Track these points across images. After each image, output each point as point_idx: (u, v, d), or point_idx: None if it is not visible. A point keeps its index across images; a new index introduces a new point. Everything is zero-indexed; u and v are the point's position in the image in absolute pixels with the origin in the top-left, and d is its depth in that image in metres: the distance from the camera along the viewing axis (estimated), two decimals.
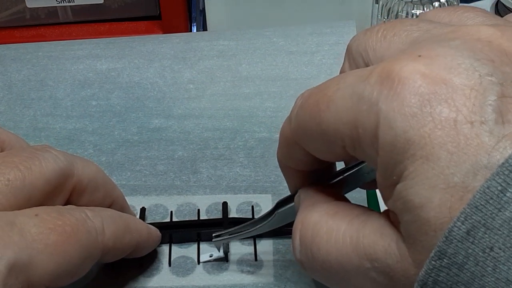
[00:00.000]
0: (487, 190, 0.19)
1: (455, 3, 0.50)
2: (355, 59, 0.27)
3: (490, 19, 0.26)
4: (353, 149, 0.24)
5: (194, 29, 0.58)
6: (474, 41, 0.22)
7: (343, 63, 0.28)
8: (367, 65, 0.26)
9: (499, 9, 0.57)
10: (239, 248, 0.37)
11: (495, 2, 0.58)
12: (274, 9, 0.54)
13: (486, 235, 0.19)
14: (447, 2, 0.50)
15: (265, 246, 0.38)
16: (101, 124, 0.46)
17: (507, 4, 0.56)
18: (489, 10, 0.58)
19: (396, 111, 0.21)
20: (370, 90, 0.22)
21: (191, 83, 0.48)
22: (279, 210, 0.32)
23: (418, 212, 0.21)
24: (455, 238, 0.20)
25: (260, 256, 0.37)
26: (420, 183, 0.21)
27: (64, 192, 0.31)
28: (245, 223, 0.34)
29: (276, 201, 0.32)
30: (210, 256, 0.37)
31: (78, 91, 0.48)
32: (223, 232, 0.35)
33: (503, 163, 0.19)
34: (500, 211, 0.19)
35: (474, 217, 0.19)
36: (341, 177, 0.29)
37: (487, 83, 0.21)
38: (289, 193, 0.32)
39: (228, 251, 0.37)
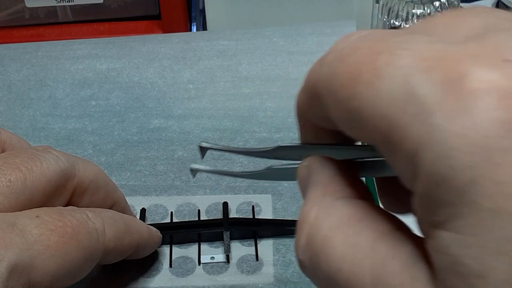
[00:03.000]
0: None
1: (456, 2, 0.50)
2: None
3: None
4: (384, 151, 0.18)
5: (194, 29, 0.58)
6: None
7: None
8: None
9: (500, 9, 0.57)
10: (239, 249, 0.37)
11: (496, 2, 0.58)
12: (274, 9, 0.53)
13: None
14: (447, 1, 0.50)
15: (265, 246, 0.38)
16: (100, 124, 0.46)
17: (508, 4, 0.56)
18: None
19: (461, 137, 0.16)
20: (427, 91, 0.16)
21: (191, 83, 0.48)
22: (274, 167, 0.26)
23: (475, 283, 0.16)
24: None
25: (260, 256, 0.37)
26: (482, 245, 0.16)
27: (65, 193, 0.31)
28: (235, 149, 0.28)
29: (276, 145, 0.25)
30: (211, 259, 0.37)
31: (78, 91, 0.48)
32: (214, 146, 0.28)
33: None
34: None
35: None
36: (367, 159, 0.22)
37: None
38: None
39: (229, 253, 0.37)
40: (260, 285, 0.36)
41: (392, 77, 0.17)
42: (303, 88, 0.23)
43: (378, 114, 0.17)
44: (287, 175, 0.25)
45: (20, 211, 0.28)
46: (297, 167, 0.24)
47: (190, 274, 0.36)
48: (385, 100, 0.17)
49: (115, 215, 0.32)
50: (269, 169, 0.25)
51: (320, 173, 0.22)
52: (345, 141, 0.22)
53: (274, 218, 0.39)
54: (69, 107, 0.47)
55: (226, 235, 0.37)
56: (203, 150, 0.27)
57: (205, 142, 0.27)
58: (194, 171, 0.28)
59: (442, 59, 0.17)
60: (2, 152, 0.32)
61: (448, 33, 0.18)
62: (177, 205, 0.40)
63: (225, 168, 0.27)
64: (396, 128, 0.17)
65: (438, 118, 0.16)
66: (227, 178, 0.42)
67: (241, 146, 0.25)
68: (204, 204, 0.40)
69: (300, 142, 0.24)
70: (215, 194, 0.41)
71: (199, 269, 0.37)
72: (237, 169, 0.42)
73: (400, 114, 0.17)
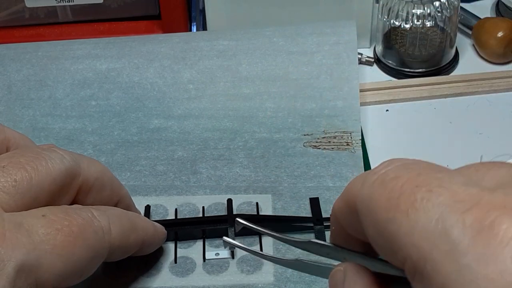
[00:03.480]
0: None
1: (456, 3, 0.50)
2: None
3: None
4: (412, 277, 0.19)
5: (194, 28, 0.58)
6: None
7: None
8: None
9: (500, 9, 0.57)
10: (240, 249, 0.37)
11: (496, 2, 0.58)
12: (274, 9, 0.53)
13: None
14: (447, 1, 0.50)
15: (265, 246, 0.38)
16: (100, 124, 0.46)
17: (508, 4, 0.56)
18: (489, 10, 0.58)
19: (489, 281, 0.17)
20: (460, 233, 0.18)
21: (191, 83, 0.48)
22: (303, 260, 0.27)
23: None
24: None
25: None
26: None
27: (70, 191, 0.31)
28: (268, 232, 0.29)
29: (308, 240, 0.27)
30: (216, 255, 0.37)
31: (78, 91, 0.48)
32: (251, 225, 0.30)
33: None
34: None
35: None
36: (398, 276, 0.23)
37: None
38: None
39: (234, 249, 0.37)
40: (260, 285, 0.36)
41: (428, 212, 0.19)
42: (342, 198, 0.24)
43: (411, 243, 0.19)
44: (314, 270, 0.27)
45: (26, 210, 0.28)
46: (325, 266, 0.26)
47: (189, 274, 0.36)
48: (419, 232, 0.19)
49: (120, 212, 0.32)
50: (298, 261, 0.27)
51: (357, 281, 0.23)
52: (371, 252, 0.24)
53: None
54: (69, 107, 0.47)
55: (231, 231, 0.37)
56: (238, 224, 0.30)
57: (242, 220, 0.30)
58: (226, 243, 0.30)
59: (475, 204, 0.18)
60: (7, 151, 0.32)
61: (480, 178, 0.20)
62: (177, 205, 0.40)
63: (256, 249, 0.31)
64: (427, 260, 0.18)
65: (469, 259, 0.17)
66: (227, 178, 0.42)
67: (278, 234, 0.29)
68: (204, 204, 0.40)
69: (330, 242, 0.26)
70: (215, 194, 0.41)
71: (199, 269, 0.37)
72: (237, 169, 0.42)
73: (432, 248, 0.18)
